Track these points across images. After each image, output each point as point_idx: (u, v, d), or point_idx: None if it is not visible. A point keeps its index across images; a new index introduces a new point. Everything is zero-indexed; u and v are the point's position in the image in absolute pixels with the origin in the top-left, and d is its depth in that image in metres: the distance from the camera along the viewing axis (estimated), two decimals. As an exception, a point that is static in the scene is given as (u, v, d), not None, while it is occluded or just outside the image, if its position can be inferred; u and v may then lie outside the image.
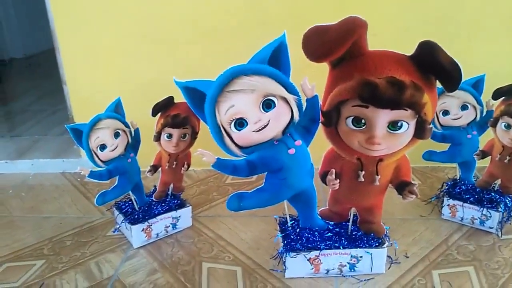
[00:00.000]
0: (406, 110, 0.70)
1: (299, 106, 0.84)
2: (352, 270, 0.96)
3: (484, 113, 1.14)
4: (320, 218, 0.99)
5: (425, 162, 1.24)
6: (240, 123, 0.80)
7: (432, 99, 0.72)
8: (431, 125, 0.75)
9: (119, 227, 1.16)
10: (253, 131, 0.81)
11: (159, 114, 1.06)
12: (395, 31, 1.36)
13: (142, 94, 1.27)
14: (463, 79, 1.09)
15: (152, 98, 1.05)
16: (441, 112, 1.15)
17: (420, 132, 0.75)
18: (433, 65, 0.68)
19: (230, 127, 0.81)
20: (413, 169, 1.49)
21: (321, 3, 1.35)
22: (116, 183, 1.10)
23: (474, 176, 1.22)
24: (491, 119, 1.07)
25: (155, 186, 1.20)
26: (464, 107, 1.12)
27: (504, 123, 1.03)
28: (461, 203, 1.15)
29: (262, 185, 0.90)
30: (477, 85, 1.12)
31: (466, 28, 1.40)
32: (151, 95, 1.05)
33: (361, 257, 0.95)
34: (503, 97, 1.06)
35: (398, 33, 1.35)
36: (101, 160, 1.04)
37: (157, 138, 1.07)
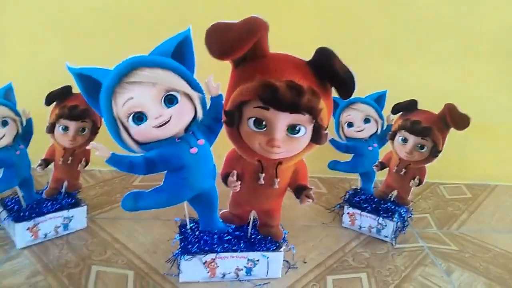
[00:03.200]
0: (304, 115, 0.71)
1: (203, 104, 0.82)
2: (249, 274, 0.95)
3: (385, 127, 1.20)
4: (221, 221, 0.98)
5: (333, 172, 1.28)
6: (139, 117, 0.76)
7: (327, 106, 0.73)
8: (326, 131, 0.76)
9: (2, 224, 1.05)
10: (153, 127, 0.77)
11: (54, 103, 0.98)
12: (311, 47, 1.40)
13: (40, 82, 1.16)
14: (369, 94, 1.18)
15: (51, 87, 0.98)
16: (346, 124, 1.20)
17: (316, 137, 0.76)
18: (328, 71, 0.70)
19: (127, 121, 0.76)
20: (321, 179, 1.58)
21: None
22: (1, 175, 0.99)
23: (373, 187, 1.29)
24: (390, 133, 1.13)
25: (48, 182, 1.10)
26: (366, 120, 1.18)
27: (401, 137, 1.09)
28: (359, 211, 1.20)
29: (161, 184, 0.86)
30: (379, 100, 1.19)
31: (377, 48, 1.49)
32: (50, 84, 0.98)
33: (257, 260, 0.94)
34: (401, 112, 1.12)
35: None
36: (-17, 150, 0.94)
37: (51, 129, 0.99)
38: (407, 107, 1.10)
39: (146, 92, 0.75)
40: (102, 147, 0.79)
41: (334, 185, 1.55)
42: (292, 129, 0.73)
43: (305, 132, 0.74)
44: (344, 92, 0.72)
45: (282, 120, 0.72)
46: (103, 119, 0.78)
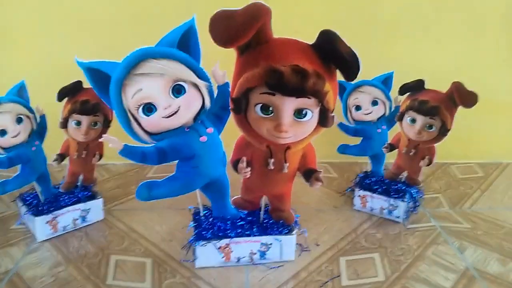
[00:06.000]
0: (310, 98, 0.72)
1: (210, 93, 0.83)
2: (263, 257, 0.97)
3: (393, 108, 1.21)
4: (233, 207, 1.00)
5: (343, 157, 1.28)
6: (149, 109, 0.78)
7: (333, 88, 0.74)
8: (333, 114, 0.77)
9: (23, 219, 1.08)
10: (163, 117, 0.79)
11: (65, 99, 1.00)
12: (317, 28, 1.40)
13: (52, 79, 1.17)
14: (376, 75, 1.18)
15: (62, 83, 0.99)
16: (353, 108, 1.20)
17: (323, 120, 0.77)
18: (332, 54, 0.70)
19: (138, 112, 0.78)
20: (332, 164, 1.58)
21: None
22: (19, 172, 1.02)
23: (384, 169, 1.29)
24: (398, 114, 1.14)
25: (64, 177, 1.13)
26: (374, 103, 1.18)
27: (409, 118, 1.09)
28: (370, 193, 1.21)
29: (174, 173, 0.88)
30: (386, 82, 1.19)
31: (383, 29, 1.48)
32: (62, 80, 1.00)
33: (271, 244, 0.96)
34: (408, 93, 1.12)
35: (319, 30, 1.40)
36: (0, 147, 0.96)
37: (64, 125, 1.01)
38: (414, 87, 1.10)
39: (155, 83, 0.76)
40: (114, 139, 0.81)
41: (344, 169, 1.55)
42: (299, 113, 0.74)
43: (312, 116, 0.75)
44: (349, 74, 0.72)
45: (288, 104, 0.73)
46: (114, 112, 0.80)
